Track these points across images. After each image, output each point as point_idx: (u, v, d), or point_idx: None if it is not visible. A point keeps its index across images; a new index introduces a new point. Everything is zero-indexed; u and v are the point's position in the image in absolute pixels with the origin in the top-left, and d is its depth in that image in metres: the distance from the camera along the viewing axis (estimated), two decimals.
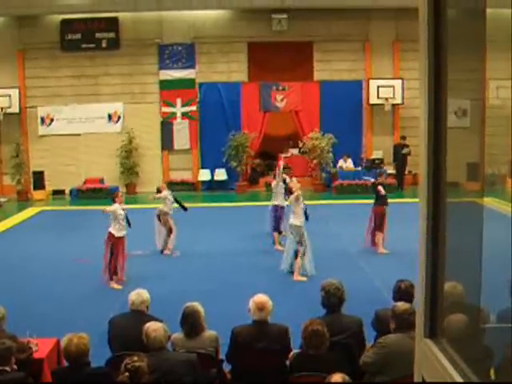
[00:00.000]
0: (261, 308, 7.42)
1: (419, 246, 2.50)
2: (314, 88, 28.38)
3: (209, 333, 7.55)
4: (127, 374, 5.75)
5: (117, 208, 13.65)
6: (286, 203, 15.73)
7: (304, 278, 13.68)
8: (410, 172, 27.59)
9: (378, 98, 27.63)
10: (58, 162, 28.03)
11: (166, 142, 28.56)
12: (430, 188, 2.37)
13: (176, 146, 28.61)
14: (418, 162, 2.42)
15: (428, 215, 2.39)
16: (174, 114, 28.46)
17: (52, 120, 28.30)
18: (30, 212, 23.55)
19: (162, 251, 16.40)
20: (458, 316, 2.54)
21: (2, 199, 26.62)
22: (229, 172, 27.86)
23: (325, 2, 26.44)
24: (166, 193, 16.54)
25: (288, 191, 15.72)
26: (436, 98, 2.35)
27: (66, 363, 6.99)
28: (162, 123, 28.56)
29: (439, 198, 2.36)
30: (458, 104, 2.58)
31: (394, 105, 27.90)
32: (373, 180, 16.96)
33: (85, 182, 27.70)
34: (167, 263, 15.30)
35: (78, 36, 27.97)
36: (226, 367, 7.68)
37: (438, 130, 2.34)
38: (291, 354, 7.20)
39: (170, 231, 16.42)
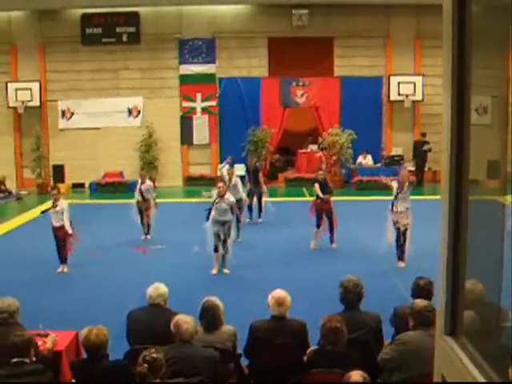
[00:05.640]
0: (280, 303, 7.43)
1: (440, 242, 2.49)
2: (335, 84, 28.33)
3: (227, 327, 7.55)
4: (146, 365, 5.78)
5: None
6: None
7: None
8: (429, 169, 27.48)
9: (399, 94, 27.54)
10: (78, 155, 28.18)
11: (186, 136, 28.63)
12: (453, 185, 2.36)
13: (195, 141, 28.68)
14: (438, 159, 2.42)
15: (450, 212, 2.38)
16: (193, 108, 28.51)
17: (72, 114, 28.46)
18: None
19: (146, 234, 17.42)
20: (478, 314, 2.53)
21: (22, 192, 26.79)
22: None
23: None
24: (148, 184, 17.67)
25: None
26: (459, 95, 2.34)
27: (84, 356, 7.03)
28: (182, 118, 28.62)
29: (461, 195, 2.35)
30: (479, 101, 2.57)
31: (414, 101, 27.81)
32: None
33: (104, 176, 27.81)
34: (183, 257, 15.33)
35: (99, 30, 28.10)
36: (244, 362, 7.69)
37: (461, 127, 2.33)
38: (309, 350, 7.19)
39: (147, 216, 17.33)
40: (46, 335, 7.58)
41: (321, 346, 7.00)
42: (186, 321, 6.92)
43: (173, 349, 6.64)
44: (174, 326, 6.91)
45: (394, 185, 14.37)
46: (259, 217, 19.40)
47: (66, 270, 14.34)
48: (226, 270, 14.16)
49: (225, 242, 14.04)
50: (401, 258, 14.30)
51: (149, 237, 17.35)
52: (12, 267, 14.51)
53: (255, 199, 19.18)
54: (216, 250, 14.02)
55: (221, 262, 14.19)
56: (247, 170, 19.49)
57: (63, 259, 14.38)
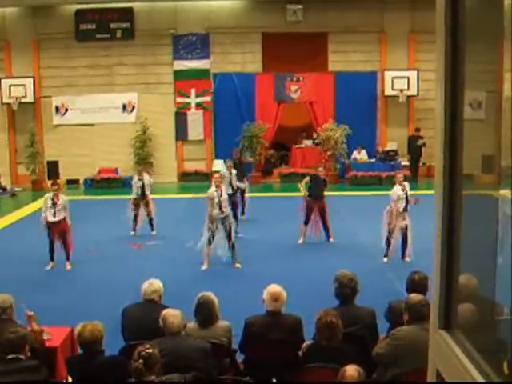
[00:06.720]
0: (275, 298, 7.43)
1: (435, 237, 2.49)
2: (329, 79, 28.30)
3: (223, 323, 7.55)
4: (141, 361, 5.78)
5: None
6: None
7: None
8: (424, 164, 27.48)
9: (393, 89, 27.53)
10: (73, 151, 28.10)
11: (180, 132, 28.58)
12: (446, 180, 2.36)
13: (190, 137, 28.63)
14: (433, 154, 2.43)
15: (444, 207, 2.38)
16: (188, 104, 28.46)
17: (66, 110, 28.37)
18: (43, 202, 23.57)
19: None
20: (472, 307, 2.53)
21: (16, 189, 26.74)
22: None
23: None
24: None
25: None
26: (452, 90, 2.33)
27: (79, 352, 7.02)
28: (176, 113, 28.56)
29: (455, 190, 2.35)
30: (474, 95, 2.57)
31: (408, 96, 27.80)
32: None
33: (99, 172, 27.77)
34: (178, 253, 15.31)
35: (93, 26, 28.01)
36: (239, 357, 7.70)
37: (455, 122, 2.33)
38: (304, 345, 7.20)
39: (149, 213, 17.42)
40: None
41: (316, 340, 7.01)
42: (172, 314, 6.94)
43: (162, 341, 6.65)
44: (161, 320, 6.96)
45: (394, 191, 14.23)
46: (242, 213, 18.96)
47: (68, 267, 14.32)
48: (237, 265, 14.18)
49: (230, 234, 14.11)
50: (403, 254, 14.26)
51: (154, 232, 17.31)
52: (6, 264, 14.50)
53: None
54: (210, 243, 14.00)
55: (230, 255, 14.20)
56: (234, 164, 18.91)
57: (66, 256, 14.35)
